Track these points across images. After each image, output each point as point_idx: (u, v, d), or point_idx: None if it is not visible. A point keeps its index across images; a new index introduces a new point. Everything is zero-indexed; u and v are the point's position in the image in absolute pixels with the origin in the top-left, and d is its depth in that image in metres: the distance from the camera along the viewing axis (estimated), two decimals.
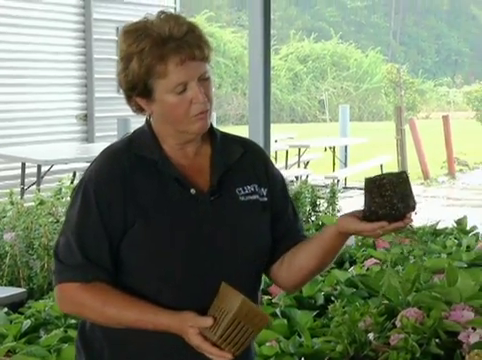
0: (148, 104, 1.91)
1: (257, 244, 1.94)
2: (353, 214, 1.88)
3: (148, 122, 1.98)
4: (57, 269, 1.91)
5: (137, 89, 1.89)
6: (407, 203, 1.83)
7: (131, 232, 1.87)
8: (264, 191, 1.99)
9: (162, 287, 1.87)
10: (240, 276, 1.88)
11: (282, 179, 2.08)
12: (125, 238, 1.88)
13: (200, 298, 1.85)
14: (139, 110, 1.95)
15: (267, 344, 3.18)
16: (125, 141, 1.97)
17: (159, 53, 1.84)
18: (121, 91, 1.96)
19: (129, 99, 1.93)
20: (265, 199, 1.99)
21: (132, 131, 2.02)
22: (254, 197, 1.97)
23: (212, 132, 2.00)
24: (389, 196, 1.80)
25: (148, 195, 1.89)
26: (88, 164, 1.96)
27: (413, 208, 1.85)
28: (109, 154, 1.94)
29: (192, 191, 1.91)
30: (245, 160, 2.00)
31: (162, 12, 1.91)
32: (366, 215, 1.82)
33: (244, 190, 1.96)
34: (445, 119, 15.81)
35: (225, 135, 2.04)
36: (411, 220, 1.86)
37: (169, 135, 1.94)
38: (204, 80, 1.89)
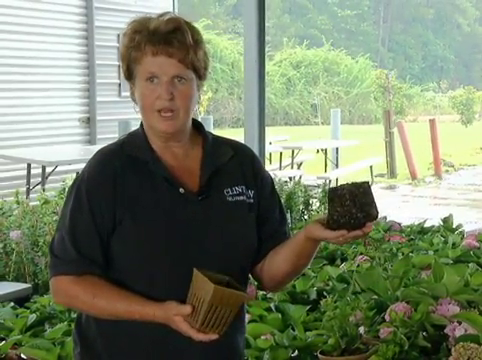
0: (133, 89, 1.95)
1: (243, 243, 1.94)
2: (319, 221, 1.87)
3: (142, 124, 1.99)
4: (52, 263, 1.94)
5: (124, 71, 1.94)
6: (367, 212, 1.84)
7: (120, 229, 1.88)
8: (251, 193, 1.99)
9: (151, 284, 1.87)
10: (226, 269, 1.86)
11: (271, 182, 2.07)
12: (114, 235, 1.88)
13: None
14: (133, 96, 1.97)
15: (262, 337, 3.18)
16: (118, 143, 1.98)
17: (138, 40, 1.88)
18: (123, 94, 2.00)
19: (130, 89, 1.96)
20: (252, 201, 1.98)
21: (127, 133, 2.04)
22: (241, 198, 1.96)
23: (204, 136, 2.00)
24: (348, 206, 1.81)
25: (138, 194, 1.89)
26: None
27: (375, 217, 1.85)
28: (101, 156, 1.95)
29: (181, 190, 1.90)
30: (234, 162, 2.00)
31: (168, 12, 1.95)
32: (329, 223, 1.82)
33: (232, 191, 1.96)
34: (432, 122, 15.83)
35: (216, 138, 2.04)
36: (370, 229, 1.85)
37: (150, 130, 1.95)
38: (180, 83, 1.88)
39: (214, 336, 1.78)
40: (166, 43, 1.87)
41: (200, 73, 1.92)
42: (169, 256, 1.87)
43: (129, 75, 1.93)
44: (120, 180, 1.89)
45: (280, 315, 3.47)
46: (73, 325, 2.03)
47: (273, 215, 2.03)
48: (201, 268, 1.79)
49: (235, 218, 1.94)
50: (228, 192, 1.95)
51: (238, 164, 2.00)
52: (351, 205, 1.80)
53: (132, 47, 1.89)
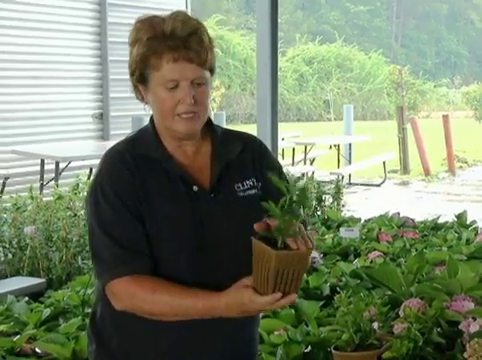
0: (145, 92, 1.92)
1: (255, 234, 1.90)
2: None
3: (151, 121, 1.97)
4: (100, 269, 1.88)
5: (135, 75, 1.90)
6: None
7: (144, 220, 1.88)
8: (260, 185, 1.99)
9: (173, 278, 1.86)
10: (242, 268, 1.83)
11: (279, 170, 2.06)
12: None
13: (210, 288, 1.84)
14: (142, 99, 1.95)
15: (275, 333, 3.18)
16: (128, 141, 1.96)
17: (156, 46, 1.85)
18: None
19: (134, 87, 1.94)
20: (261, 192, 1.98)
21: (136, 131, 2.02)
22: (253, 191, 1.96)
23: (213, 131, 1.99)
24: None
25: (154, 192, 1.88)
26: None
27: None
28: (114, 154, 1.93)
29: (195, 188, 1.90)
30: (244, 155, 2.00)
31: (178, 12, 1.91)
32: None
33: (243, 186, 1.96)
34: (445, 118, 15.77)
35: (225, 132, 2.03)
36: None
37: (165, 130, 1.93)
38: (199, 85, 1.88)
39: (293, 297, 1.75)
40: (186, 48, 1.84)
41: (213, 71, 1.93)
42: (185, 254, 1.86)
43: (142, 79, 1.90)
44: (138, 177, 1.88)
45: (293, 311, 3.47)
46: (88, 322, 2.02)
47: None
48: (257, 235, 1.76)
49: (247, 213, 1.93)
50: (239, 187, 1.95)
51: (248, 156, 2.00)
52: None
53: (150, 54, 1.85)
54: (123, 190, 1.87)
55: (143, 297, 1.83)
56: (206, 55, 1.87)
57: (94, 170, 9.64)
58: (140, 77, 1.89)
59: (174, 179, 1.90)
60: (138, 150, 1.92)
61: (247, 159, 1.99)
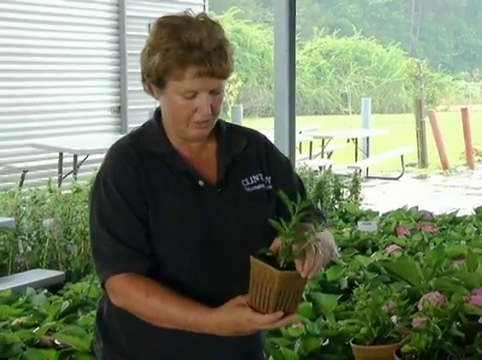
0: (158, 93, 1.90)
1: (264, 232, 1.87)
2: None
3: (156, 116, 1.96)
4: (100, 265, 1.88)
5: (152, 77, 1.88)
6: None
7: (150, 218, 1.86)
8: (268, 179, 1.98)
9: (179, 273, 1.85)
10: (248, 263, 1.79)
11: (287, 165, 2.05)
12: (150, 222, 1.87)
13: (215, 285, 1.84)
14: (150, 92, 1.93)
15: (293, 326, 3.18)
16: (132, 136, 1.95)
17: (181, 59, 1.81)
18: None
19: (143, 81, 1.92)
20: (270, 187, 1.97)
21: (141, 125, 2.00)
22: (259, 187, 1.95)
23: (218, 126, 1.97)
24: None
25: (159, 187, 1.87)
26: None
27: None
28: (118, 149, 1.92)
29: (200, 183, 1.89)
30: (249, 150, 1.99)
31: (203, 15, 1.87)
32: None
33: (249, 181, 1.95)
34: (464, 111, 15.66)
35: (231, 127, 2.02)
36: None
37: (174, 129, 1.92)
38: (215, 93, 1.87)
39: (292, 317, 1.74)
40: (211, 63, 1.81)
41: (228, 77, 1.91)
42: (192, 249, 1.85)
43: (160, 84, 1.87)
44: (142, 171, 1.87)
45: (311, 304, 3.47)
46: (94, 319, 2.00)
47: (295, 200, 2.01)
48: (255, 253, 1.74)
49: (254, 208, 1.92)
50: (246, 182, 1.94)
51: (253, 152, 1.99)
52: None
53: (174, 65, 1.82)
54: (126, 186, 1.86)
55: (136, 298, 1.82)
56: (228, 68, 1.86)
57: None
58: (158, 81, 1.87)
59: (179, 174, 1.89)
60: (142, 145, 1.90)
61: (252, 154, 1.98)
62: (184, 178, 1.88)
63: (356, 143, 14.13)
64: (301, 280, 1.74)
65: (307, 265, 1.71)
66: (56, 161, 9.50)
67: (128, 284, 1.82)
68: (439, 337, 2.37)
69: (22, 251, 5.79)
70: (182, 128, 1.89)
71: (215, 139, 1.96)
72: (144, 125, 1.99)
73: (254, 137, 2.03)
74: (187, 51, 1.81)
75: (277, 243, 1.75)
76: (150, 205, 1.85)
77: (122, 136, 2.01)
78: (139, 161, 1.87)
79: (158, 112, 1.96)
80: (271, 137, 2.15)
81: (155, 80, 1.87)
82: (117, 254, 1.84)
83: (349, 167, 11.50)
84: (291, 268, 1.72)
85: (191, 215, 1.86)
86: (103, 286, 1.89)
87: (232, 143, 1.97)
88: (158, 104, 1.96)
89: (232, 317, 1.75)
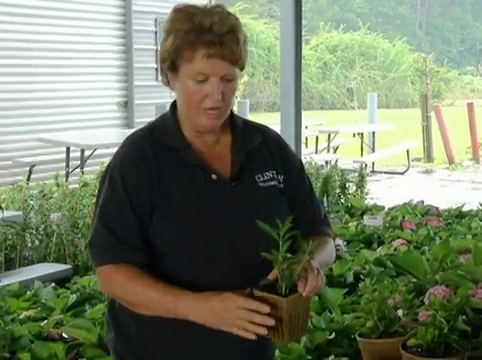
0: (173, 79, 1.91)
1: (277, 225, 1.85)
2: None
3: (171, 109, 1.97)
4: (92, 255, 1.91)
5: (166, 63, 1.89)
6: None
7: (157, 212, 1.86)
8: (281, 178, 1.98)
9: (189, 264, 1.85)
10: (261, 258, 1.79)
11: (299, 166, 2.06)
12: (153, 219, 1.86)
13: (227, 277, 1.83)
14: (168, 83, 1.94)
15: None
16: (147, 129, 1.96)
17: (191, 40, 1.83)
18: (160, 78, 1.95)
19: (162, 71, 1.94)
20: (282, 186, 1.97)
21: (156, 118, 2.01)
22: (273, 183, 1.96)
23: (233, 121, 1.98)
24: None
25: (172, 181, 1.87)
26: None
27: None
28: (132, 142, 1.93)
29: (213, 177, 1.89)
30: (264, 147, 1.99)
31: (218, 5, 1.90)
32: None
33: (263, 177, 1.95)
34: (470, 106, 15.62)
35: (245, 123, 2.02)
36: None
37: (186, 120, 1.93)
38: (227, 82, 1.87)
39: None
40: (221, 45, 1.83)
41: (243, 68, 1.93)
42: (204, 242, 1.85)
43: (173, 68, 1.89)
44: (154, 166, 1.87)
45: (317, 298, 3.47)
46: (106, 309, 2.02)
47: (301, 199, 2.02)
48: (255, 287, 1.76)
49: (268, 203, 1.92)
50: (260, 178, 1.94)
51: (267, 149, 1.99)
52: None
53: (184, 46, 1.84)
54: (131, 181, 1.87)
55: (120, 283, 1.84)
56: (240, 54, 1.87)
57: None
58: (171, 65, 1.89)
59: (192, 167, 1.89)
60: (157, 138, 1.91)
61: (266, 151, 1.99)
62: (197, 171, 1.89)
63: (362, 138, 14.10)
64: (306, 299, 1.77)
65: (309, 285, 1.74)
66: (63, 155, 9.51)
67: (115, 272, 1.85)
68: (445, 331, 2.36)
69: (30, 245, 5.80)
70: (193, 115, 1.89)
71: (229, 133, 1.97)
72: (159, 118, 1.99)
73: (269, 134, 2.03)
74: (198, 33, 1.83)
75: (275, 272, 1.77)
76: (159, 201, 1.85)
77: (138, 128, 2.01)
78: (152, 155, 1.88)
79: (174, 105, 1.97)
80: (278, 132, 2.15)
81: (169, 64, 1.89)
82: (109, 246, 1.86)
83: (355, 162, 11.48)
84: (293, 291, 1.75)
85: (203, 209, 1.86)
86: None
87: (247, 138, 1.97)
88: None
89: (209, 301, 1.75)
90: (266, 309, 1.70)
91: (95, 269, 1.91)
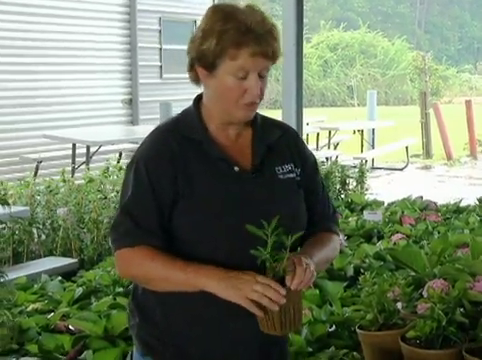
0: (207, 77, 1.92)
1: (295, 217, 1.95)
2: None
3: (195, 103, 1.99)
4: (112, 239, 1.94)
5: (203, 61, 1.90)
6: None
7: (181, 204, 1.88)
8: (298, 171, 2.02)
9: (212, 255, 1.87)
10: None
11: (314, 162, 2.09)
12: (176, 208, 1.89)
13: (248, 263, 1.83)
14: (195, 81, 1.96)
15: None
16: (172, 122, 1.99)
17: (238, 40, 1.86)
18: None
19: (191, 68, 1.95)
20: (299, 178, 2.01)
21: (180, 112, 2.03)
22: (291, 175, 1.99)
23: (254, 116, 2.01)
24: None
25: (196, 172, 1.90)
26: (133, 145, 1.97)
27: None
28: (158, 134, 1.96)
29: (236, 169, 1.92)
30: (282, 141, 2.03)
31: (249, 4, 1.93)
32: None
33: (282, 169, 1.99)
34: (468, 103, 15.59)
35: (264, 119, 2.06)
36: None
37: (216, 113, 1.95)
38: (263, 77, 1.91)
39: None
40: (265, 44, 1.87)
41: (275, 63, 1.96)
42: (227, 234, 1.87)
43: (212, 66, 1.89)
44: (178, 158, 1.90)
45: (318, 291, 3.47)
46: (129, 297, 2.05)
47: (314, 193, 2.05)
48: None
49: (287, 194, 1.96)
50: (279, 170, 1.98)
51: (286, 143, 2.03)
52: None
53: (229, 45, 1.86)
54: (154, 172, 1.89)
55: (137, 262, 1.87)
56: (278, 52, 1.92)
57: (123, 154, 9.70)
58: (211, 64, 1.89)
59: (215, 160, 1.92)
60: (181, 131, 1.94)
61: (284, 145, 2.03)
62: (220, 164, 1.92)
63: (362, 134, 14.09)
64: (296, 293, 1.79)
65: (297, 279, 1.77)
66: (69, 152, 9.52)
67: (132, 254, 1.88)
68: (443, 323, 2.37)
69: (37, 239, 5.81)
70: (229, 110, 1.92)
71: (250, 128, 2.00)
72: (182, 112, 2.02)
73: (287, 130, 2.08)
74: (243, 32, 1.86)
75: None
76: (184, 191, 1.88)
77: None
78: (177, 148, 1.91)
79: (197, 100, 1.99)
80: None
81: (208, 63, 1.90)
82: (128, 231, 1.89)
83: (355, 158, 11.46)
84: (284, 285, 1.78)
85: (228, 201, 1.89)
86: None
87: (267, 132, 2.01)
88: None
89: (229, 273, 1.81)
90: (282, 290, 1.75)
91: (114, 253, 1.93)
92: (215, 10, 1.92)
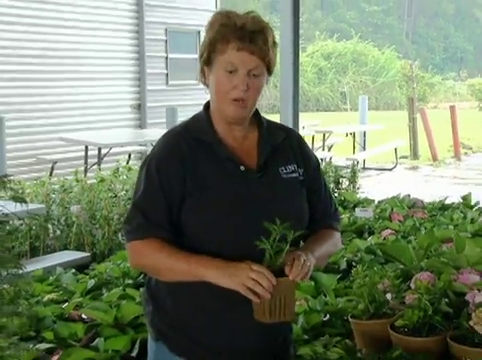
0: (208, 74, 1.95)
1: (297, 215, 1.95)
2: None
3: (205, 108, 2.00)
4: (125, 232, 1.95)
5: (203, 58, 1.94)
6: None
7: (190, 202, 1.89)
8: (301, 171, 2.01)
9: (218, 250, 1.86)
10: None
11: (316, 163, 2.08)
12: (185, 207, 1.89)
13: (252, 259, 1.82)
14: (204, 82, 1.98)
15: (297, 303, 3.18)
16: (183, 126, 2.00)
17: (225, 34, 1.89)
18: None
19: (201, 69, 1.98)
20: (302, 177, 2.01)
21: (190, 117, 2.04)
22: (294, 175, 1.99)
23: (260, 121, 2.02)
24: None
25: (205, 172, 1.91)
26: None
27: None
28: (169, 137, 1.97)
29: (242, 168, 1.93)
30: (287, 143, 2.03)
31: (253, 11, 1.96)
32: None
33: (286, 169, 1.99)
34: (452, 108, 15.60)
35: (270, 122, 2.07)
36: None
37: (216, 112, 1.96)
38: (254, 77, 1.91)
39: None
40: (251, 41, 1.88)
41: (271, 70, 1.96)
42: (234, 226, 1.87)
43: (208, 62, 1.93)
44: (188, 159, 1.91)
45: (313, 283, 3.47)
46: (144, 287, 2.07)
47: (317, 193, 2.05)
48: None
49: (290, 193, 1.96)
50: (283, 170, 1.98)
51: (289, 145, 2.03)
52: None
53: (219, 39, 1.90)
54: (165, 172, 1.90)
55: (147, 253, 1.89)
56: (267, 52, 1.91)
57: (132, 155, 9.69)
58: (207, 59, 1.93)
59: (223, 160, 1.92)
60: (191, 134, 1.95)
61: (288, 146, 2.03)
62: (228, 164, 1.93)
63: (354, 137, 14.09)
64: (290, 285, 1.78)
65: (295, 269, 1.78)
66: (82, 153, 9.53)
67: (142, 245, 1.89)
68: (429, 312, 2.37)
69: (52, 234, 5.82)
70: (222, 106, 1.93)
71: (256, 130, 2.01)
72: (193, 117, 2.03)
73: (291, 133, 2.09)
74: (232, 29, 1.89)
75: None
76: (193, 191, 1.88)
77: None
78: (187, 150, 1.92)
79: (206, 105, 2.01)
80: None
81: (206, 59, 1.93)
82: (139, 226, 1.90)
83: (347, 159, 11.46)
84: (280, 277, 1.77)
85: (234, 199, 1.89)
86: None
87: (272, 135, 2.01)
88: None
89: (227, 262, 1.81)
90: (273, 280, 1.75)
91: (126, 245, 1.95)
92: (216, 13, 1.97)
